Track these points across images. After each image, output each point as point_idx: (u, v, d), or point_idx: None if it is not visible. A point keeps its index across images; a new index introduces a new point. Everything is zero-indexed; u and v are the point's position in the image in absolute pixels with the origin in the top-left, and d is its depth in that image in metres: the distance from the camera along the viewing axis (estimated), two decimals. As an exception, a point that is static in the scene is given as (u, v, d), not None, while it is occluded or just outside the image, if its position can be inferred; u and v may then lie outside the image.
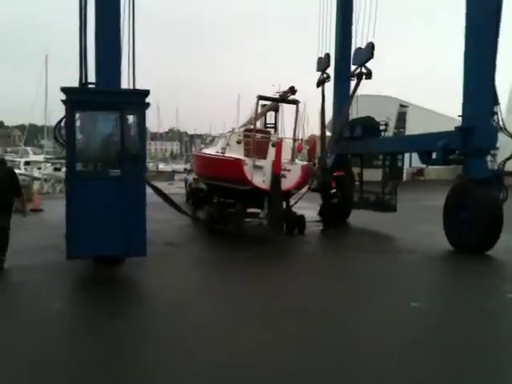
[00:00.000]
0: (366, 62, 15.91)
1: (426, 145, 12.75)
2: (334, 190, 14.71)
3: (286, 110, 18.98)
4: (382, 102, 36.54)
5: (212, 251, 12.01)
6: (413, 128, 33.53)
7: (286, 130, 20.55)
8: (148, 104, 8.29)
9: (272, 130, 19.53)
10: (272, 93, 14.40)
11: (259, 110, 14.36)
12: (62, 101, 7.85)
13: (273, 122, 24.23)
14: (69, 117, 7.87)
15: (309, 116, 75.94)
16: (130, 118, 8.11)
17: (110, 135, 8.40)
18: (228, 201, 14.91)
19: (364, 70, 16.08)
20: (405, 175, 41.92)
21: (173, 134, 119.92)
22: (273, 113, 23.74)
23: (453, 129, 11.92)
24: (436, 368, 5.10)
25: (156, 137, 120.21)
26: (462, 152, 11.74)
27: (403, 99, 42.68)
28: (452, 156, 12.02)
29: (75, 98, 7.99)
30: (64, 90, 7.82)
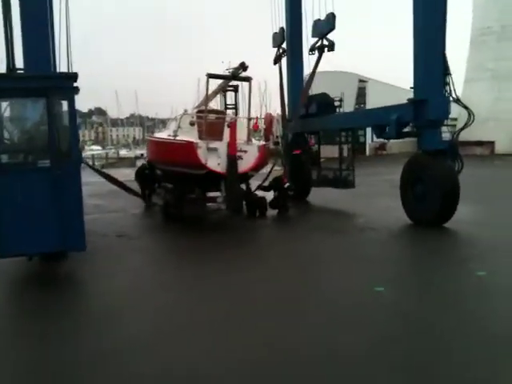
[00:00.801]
0: (328, 33, 15.44)
1: (380, 119, 12.59)
2: (288, 184, 14.37)
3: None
4: (340, 77, 36.50)
5: (167, 243, 11.38)
6: (374, 102, 33.68)
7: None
8: (77, 88, 7.74)
9: (229, 111, 19.20)
10: (222, 70, 13.88)
11: (211, 89, 13.88)
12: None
13: (233, 102, 24.07)
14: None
15: (271, 95, 75.83)
16: (59, 104, 7.56)
17: (36, 123, 7.87)
18: (184, 186, 14.41)
19: (326, 42, 15.72)
20: (367, 150, 42.76)
21: (134, 119, 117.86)
22: (233, 93, 23.53)
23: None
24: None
25: (117, 123, 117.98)
26: (415, 124, 11.64)
27: (363, 74, 42.65)
28: (406, 129, 11.90)
29: (-3, 85, 7.40)
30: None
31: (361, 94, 42.48)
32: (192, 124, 13.44)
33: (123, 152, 65.99)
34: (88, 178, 18.62)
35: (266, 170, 16.27)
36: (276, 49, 18.19)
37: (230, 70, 13.50)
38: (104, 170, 21.25)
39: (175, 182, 14.55)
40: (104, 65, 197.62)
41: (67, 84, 7.57)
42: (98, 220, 14.13)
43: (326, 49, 15.55)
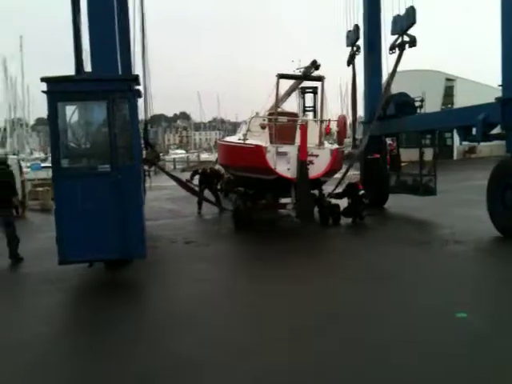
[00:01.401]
0: (409, 28, 14.48)
1: (465, 119, 11.47)
2: (363, 191, 13.50)
3: (330, 91, 18.10)
4: (425, 76, 34.68)
5: (236, 250, 11.01)
6: (463, 103, 31.57)
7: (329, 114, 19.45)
8: (137, 91, 7.58)
9: (307, 113, 18.63)
10: (293, 70, 13.26)
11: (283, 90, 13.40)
12: (43, 91, 7.27)
13: (311, 104, 23.31)
14: (51, 109, 7.25)
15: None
16: (119, 107, 7.40)
17: (97, 127, 7.76)
18: (255, 191, 14.00)
19: (406, 38, 14.72)
20: (455, 154, 40.29)
21: (216, 123, 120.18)
22: (312, 95, 22.79)
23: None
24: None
25: (200, 127, 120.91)
26: (504, 125, 10.43)
27: (451, 73, 40.27)
28: (493, 131, 10.73)
29: (56, 88, 7.36)
30: (44, 79, 7.23)
31: (448, 94, 40.11)
32: (263, 127, 13.05)
33: (205, 155, 67.11)
34: (167, 182, 18.92)
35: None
36: (350, 48, 17.36)
37: (301, 70, 12.85)
38: (178, 174, 21.39)
39: (245, 187, 14.22)
40: (187, 69, 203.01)
41: (127, 86, 7.39)
42: (169, 225, 14.17)
43: (407, 45, 14.55)
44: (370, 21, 16.62)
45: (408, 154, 17.67)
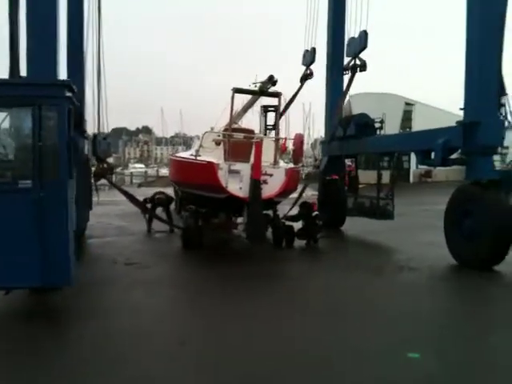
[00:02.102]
0: (360, 52, 14.45)
1: (424, 143, 11.16)
2: (316, 213, 13.07)
3: (293, 109, 17.78)
4: (385, 99, 35.03)
5: (179, 274, 10.15)
6: (420, 127, 32.01)
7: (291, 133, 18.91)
8: (69, 98, 6.80)
9: (266, 132, 18.17)
10: (248, 85, 12.74)
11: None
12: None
13: (272, 123, 22.93)
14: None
15: (314, 116, 74.36)
16: (47, 116, 6.60)
17: (20, 137, 6.92)
18: (206, 210, 13.29)
19: (358, 62, 14.58)
20: (411, 177, 40.76)
21: (179, 139, 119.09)
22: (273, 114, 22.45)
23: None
24: None
25: (162, 142, 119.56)
26: (465, 151, 10.18)
27: (409, 97, 40.94)
28: (453, 155, 10.46)
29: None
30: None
31: (407, 118, 40.71)
32: (217, 143, 12.42)
33: (164, 171, 65.96)
34: (120, 197, 18.00)
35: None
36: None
37: (257, 84, 12.33)
38: (133, 190, 20.48)
39: (197, 206, 13.50)
40: (151, 84, 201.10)
41: (58, 92, 6.61)
42: (113, 243, 13.28)
43: (358, 69, 14.44)
44: (333, 40, 16.37)
45: (366, 176, 17.43)
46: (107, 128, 15.52)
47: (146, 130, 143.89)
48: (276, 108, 18.11)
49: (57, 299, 7.54)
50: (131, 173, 50.40)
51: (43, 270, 6.43)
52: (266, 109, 21.98)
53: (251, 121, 19.21)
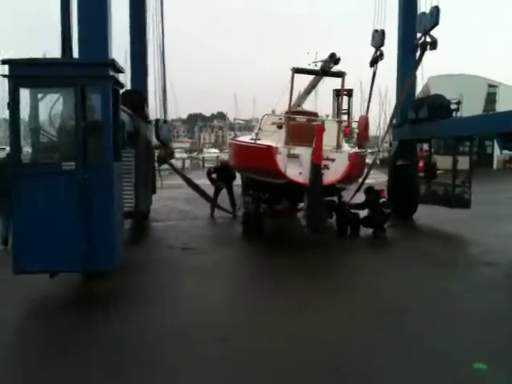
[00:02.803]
0: (431, 29, 13.25)
1: (505, 125, 10.02)
2: (384, 199, 12.19)
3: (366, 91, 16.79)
4: (466, 81, 32.71)
5: (235, 262, 9.73)
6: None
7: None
8: (113, 78, 6.53)
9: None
10: (307, 63, 11.93)
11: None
12: (3, 75, 6.32)
13: (346, 107, 21.97)
14: (12, 95, 6.26)
15: (391, 100, 71.48)
16: (90, 96, 6.40)
17: (64, 118, 6.77)
18: (268, 196, 12.81)
19: (428, 39, 13.42)
20: (495, 163, 38.11)
21: (251, 124, 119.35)
22: (346, 97, 21.47)
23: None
24: None
25: (235, 127, 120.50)
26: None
27: (492, 79, 38.14)
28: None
29: (19, 72, 6.35)
30: (5, 61, 6.26)
31: (490, 101, 37.97)
32: (279, 127, 11.88)
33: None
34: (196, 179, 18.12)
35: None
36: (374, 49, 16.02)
37: (318, 63, 11.56)
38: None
39: (258, 191, 13.09)
40: (226, 70, 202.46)
41: (102, 73, 6.38)
42: (173, 228, 13.24)
43: (428, 46, 13.26)
44: (404, 15, 15.28)
45: (445, 162, 16.19)
46: (177, 114, 15.64)
47: (221, 116, 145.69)
48: (350, 92, 17.32)
49: (102, 284, 7.41)
50: (203, 157, 50.97)
51: (86, 255, 6.28)
52: (338, 92, 21.17)
53: (323, 105, 18.36)
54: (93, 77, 6.38)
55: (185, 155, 63.08)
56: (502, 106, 35.50)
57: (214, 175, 15.71)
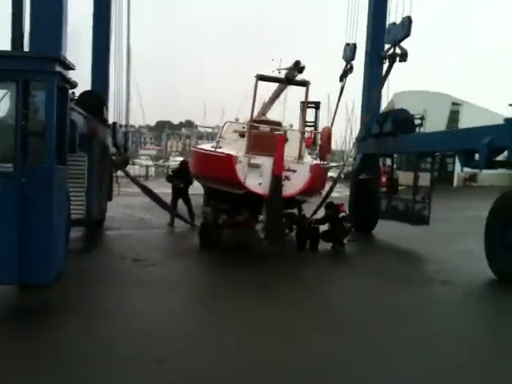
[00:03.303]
0: (402, 40, 13.07)
1: (467, 142, 10.02)
2: (344, 214, 12.06)
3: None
4: (431, 98, 33.40)
5: (185, 276, 9.17)
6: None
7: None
8: (60, 74, 6.10)
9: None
10: (271, 70, 11.72)
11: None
12: None
13: (312, 119, 21.91)
14: None
15: (358, 115, 72.45)
16: (33, 93, 5.94)
17: (3, 116, 6.29)
18: (228, 206, 12.47)
19: (398, 51, 13.38)
20: (455, 180, 38.91)
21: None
22: (313, 110, 21.43)
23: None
24: None
25: (203, 136, 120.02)
26: (513, 151, 9.02)
27: (456, 96, 39.06)
28: (500, 157, 9.30)
29: None
30: None
31: (453, 119, 38.87)
32: (242, 135, 11.60)
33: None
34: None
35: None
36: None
37: (282, 71, 11.34)
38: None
39: (218, 201, 12.76)
40: (195, 80, 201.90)
41: (47, 68, 5.93)
42: (128, 237, 12.73)
43: (397, 58, 13.21)
44: (373, 25, 15.30)
45: (407, 178, 16.25)
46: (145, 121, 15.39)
47: (189, 124, 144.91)
48: (317, 105, 17.23)
49: (35, 295, 6.84)
50: (169, 165, 50.32)
51: (20, 266, 5.79)
52: (305, 105, 21.15)
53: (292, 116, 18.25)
54: (37, 72, 5.93)
55: (150, 162, 62.30)
56: (464, 125, 36.30)
57: (170, 173, 15.53)
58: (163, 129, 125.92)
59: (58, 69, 6.04)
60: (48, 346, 5.25)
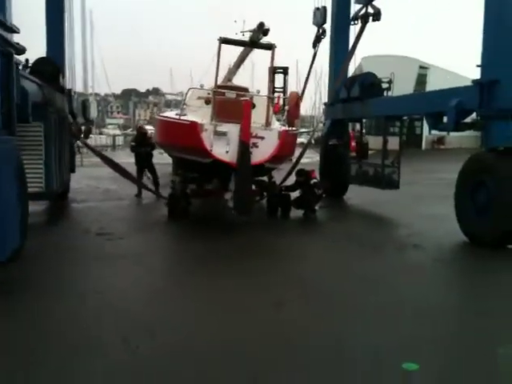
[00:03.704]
0: None
1: (435, 105, 9.87)
2: (315, 180, 11.88)
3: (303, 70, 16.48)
4: (398, 62, 33.18)
5: (152, 249, 8.72)
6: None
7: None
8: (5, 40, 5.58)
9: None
10: (235, 33, 11.24)
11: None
12: None
13: (281, 85, 21.44)
14: None
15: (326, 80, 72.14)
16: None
17: None
18: (196, 176, 12.08)
19: (371, 10, 13.02)
20: (423, 144, 39.22)
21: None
22: (281, 75, 20.97)
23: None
24: None
25: (171, 103, 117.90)
26: (481, 113, 8.89)
27: (423, 60, 39.00)
28: (467, 119, 9.19)
29: None
30: None
31: (421, 82, 38.90)
32: (207, 102, 11.16)
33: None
34: (119, 158, 16.83)
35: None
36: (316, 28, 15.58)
37: (246, 33, 10.87)
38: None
39: (185, 171, 12.37)
40: (162, 45, 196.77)
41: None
42: (94, 209, 12.32)
43: (370, 18, 12.88)
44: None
45: (376, 142, 16.20)
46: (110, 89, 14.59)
47: (156, 92, 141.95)
48: (285, 70, 16.74)
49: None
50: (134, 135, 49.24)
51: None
52: (274, 70, 20.66)
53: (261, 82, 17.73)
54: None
55: (118, 132, 60.87)
56: (432, 88, 36.29)
57: (133, 143, 15.01)
58: (130, 97, 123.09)
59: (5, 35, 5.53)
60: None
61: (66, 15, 14.00)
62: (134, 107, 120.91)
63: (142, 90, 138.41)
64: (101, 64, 60.23)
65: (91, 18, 59.13)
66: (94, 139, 42.30)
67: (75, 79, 14.18)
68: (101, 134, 53.45)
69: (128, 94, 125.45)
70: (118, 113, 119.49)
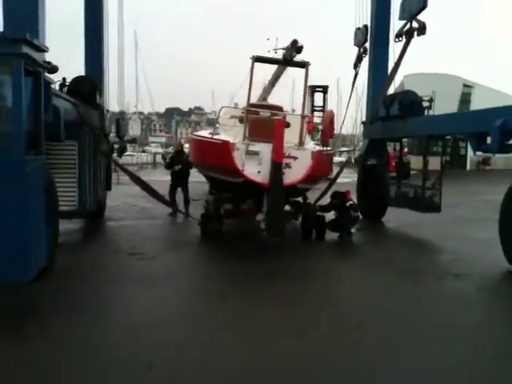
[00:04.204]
0: (419, 13, 12.34)
1: (478, 125, 9.36)
2: (351, 202, 11.47)
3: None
4: (441, 81, 32.43)
5: (183, 270, 8.59)
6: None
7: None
8: (27, 56, 5.55)
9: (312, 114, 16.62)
10: (267, 51, 11.05)
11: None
12: None
13: (320, 104, 21.24)
14: None
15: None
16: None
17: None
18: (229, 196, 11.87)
19: (415, 25, 12.64)
20: (468, 164, 37.99)
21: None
22: (321, 94, 20.78)
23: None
24: None
25: (213, 123, 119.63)
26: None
27: (467, 78, 37.99)
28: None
29: None
30: None
31: (465, 101, 37.82)
32: (241, 121, 11.02)
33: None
34: (158, 176, 16.95)
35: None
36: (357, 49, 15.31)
37: (278, 51, 10.67)
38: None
39: (218, 190, 12.22)
40: (204, 69, 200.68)
41: (11, 50, 5.37)
42: (128, 228, 12.31)
43: (415, 33, 12.45)
44: (378, 7, 14.58)
45: (418, 162, 15.62)
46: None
47: (199, 110, 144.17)
48: (325, 89, 16.50)
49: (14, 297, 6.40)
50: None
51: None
52: (313, 89, 20.50)
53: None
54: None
55: (160, 150, 61.97)
56: (476, 107, 35.30)
57: (168, 161, 15.18)
58: (173, 115, 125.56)
59: (25, 50, 5.50)
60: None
61: (105, 34, 14.10)
62: (176, 125, 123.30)
63: (185, 108, 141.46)
64: (145, 82, 61.66)
65: (135, 38, 60.87)
66: (136, 157, 43.24)
67: (124, 97, 14.24)
68: (143, 151, 54.65)
69: (171, 113, 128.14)
70: (161, 131, 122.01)
